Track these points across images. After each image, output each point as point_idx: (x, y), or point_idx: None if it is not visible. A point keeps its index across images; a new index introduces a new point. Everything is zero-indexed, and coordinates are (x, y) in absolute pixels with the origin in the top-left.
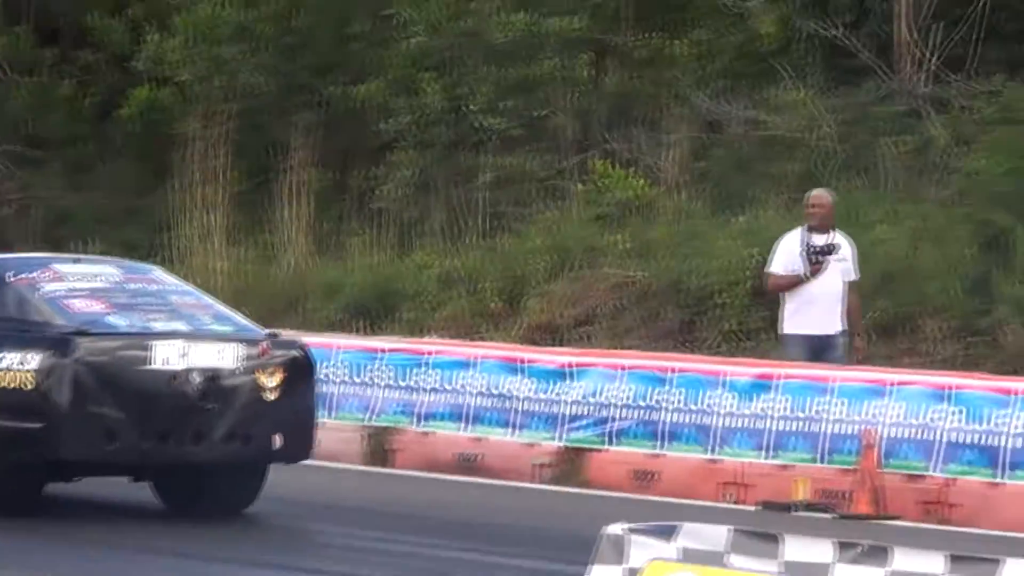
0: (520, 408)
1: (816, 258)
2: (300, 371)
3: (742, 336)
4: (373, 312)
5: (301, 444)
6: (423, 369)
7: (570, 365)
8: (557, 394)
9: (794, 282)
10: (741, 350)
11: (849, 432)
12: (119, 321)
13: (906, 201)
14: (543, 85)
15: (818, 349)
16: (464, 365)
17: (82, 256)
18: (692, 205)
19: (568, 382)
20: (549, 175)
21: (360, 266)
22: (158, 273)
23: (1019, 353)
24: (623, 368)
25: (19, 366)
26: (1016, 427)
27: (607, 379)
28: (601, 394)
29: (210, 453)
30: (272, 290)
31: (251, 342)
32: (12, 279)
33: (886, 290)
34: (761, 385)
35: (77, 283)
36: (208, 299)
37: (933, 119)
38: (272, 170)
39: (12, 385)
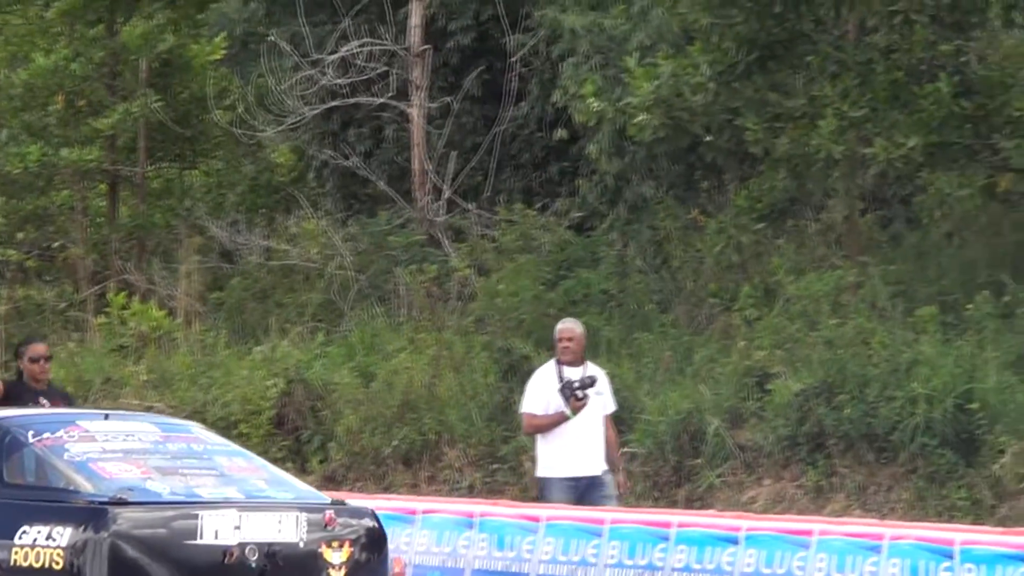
0: None
1: (580, 393)
2: (372, 544)
3: None
4: None
5: None
6: None
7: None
8: None
9: (556, 421)
10: None
11: None
12: (160, 487)
13: (426, 329)
14: (58, 216)
15: (584, 491)
16: None
17: (112, 412)
18: (211, 335)
19: None
20: (67, 306)
21: None
22: (199, 431)
23: None
24: None
25: (45, 542)
26: (543, 553)
27: None
28: None
29: None
30: None
31: (314, 510)
32: (33, 440)
33: (408, 418)
34: None
35: (109, 443)
36: (260, 460)
37: (451, 247)
38: None
39: (37, 564)
